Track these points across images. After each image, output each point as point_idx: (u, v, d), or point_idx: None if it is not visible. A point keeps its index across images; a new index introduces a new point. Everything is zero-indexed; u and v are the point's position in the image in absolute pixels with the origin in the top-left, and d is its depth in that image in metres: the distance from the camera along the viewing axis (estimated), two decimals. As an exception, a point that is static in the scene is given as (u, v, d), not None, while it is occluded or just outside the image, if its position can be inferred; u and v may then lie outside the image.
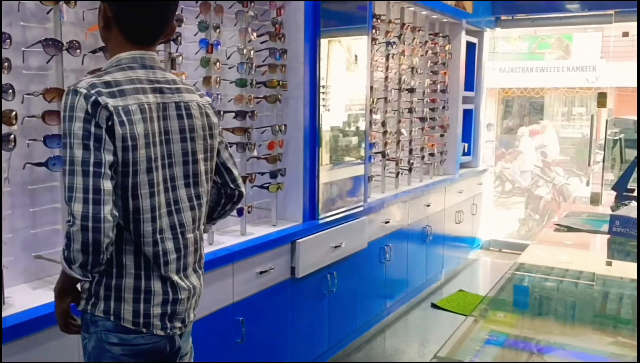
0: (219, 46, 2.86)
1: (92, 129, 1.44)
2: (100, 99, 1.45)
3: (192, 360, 1.80)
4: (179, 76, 2.27)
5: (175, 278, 1.62)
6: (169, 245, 1.60)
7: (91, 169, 1.43)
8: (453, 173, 5.62)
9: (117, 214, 1.48)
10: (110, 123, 1.45)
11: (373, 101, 4.18)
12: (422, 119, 5.07)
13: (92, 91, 1.45)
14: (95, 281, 1.56)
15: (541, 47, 12.94)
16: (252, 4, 3.03)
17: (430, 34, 5.19)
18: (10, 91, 1.97)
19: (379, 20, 4.23)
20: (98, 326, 1.57)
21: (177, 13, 1.93)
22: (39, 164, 2.12)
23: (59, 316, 1.65)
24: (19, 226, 2.15)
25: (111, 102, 1.46)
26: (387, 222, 4.20)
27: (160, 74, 1.61)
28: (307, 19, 3.28)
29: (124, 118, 1.47)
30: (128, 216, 1.53)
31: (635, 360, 1.78)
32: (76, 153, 1.43)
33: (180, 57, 2.60)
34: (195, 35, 2.77)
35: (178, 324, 1.65)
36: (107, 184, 1.44)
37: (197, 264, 1.73)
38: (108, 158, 1.45)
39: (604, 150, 4.84)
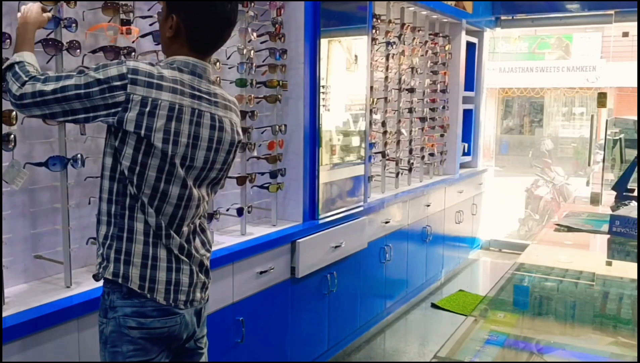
0: (219, 46, 2.86)
1: (95, 87, 1.58)
2: (129, 87, 1.58)
3: (207, 347, 1.92)
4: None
5: (175, 252, 1.73)
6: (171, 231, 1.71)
7: (69, 90, 1.59)
8: (453, 173, 5.62)
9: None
10: (119, 107, 1.58)
11: (373, 101, 4.18)
12: (422, 119, 5.07)
13: (130, 76, 1.59)
14: (107, 246, 1.68)
15: (541, 47, 12.94)
16: (252, 4, 3.03)
17: (430, 34, 5.19)
18: (10, 91, 1.97)
19: (379, 20, 4.23)
20: (117, 312, 1.66)
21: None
22: (39, 164, 2.12)
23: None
24: (19, 226, 2.15)
25: (140, 92, 1.59)
26: (387, 222, 4.20)
27: (205, 85, 1.73)
28: (307, 19, 3.28)
29: (147, 109, 1.59)
30: (140, 190, 1.64)
31: (635, 360, 1.78)
32: (68, 81, 1.59)
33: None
34: (195, 35, 2.76)
35: (182, 297, 1.74)
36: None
37: (200, 254, 1.81)
38: (77, 105, 1.60)
39: (604, 150, 4.84)
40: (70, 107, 1.60)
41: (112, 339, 1.67)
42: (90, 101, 1.59)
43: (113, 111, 1.59)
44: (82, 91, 1.58)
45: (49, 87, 1.59)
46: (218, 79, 2.85)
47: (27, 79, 1.61)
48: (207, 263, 1.85)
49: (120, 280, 1.65)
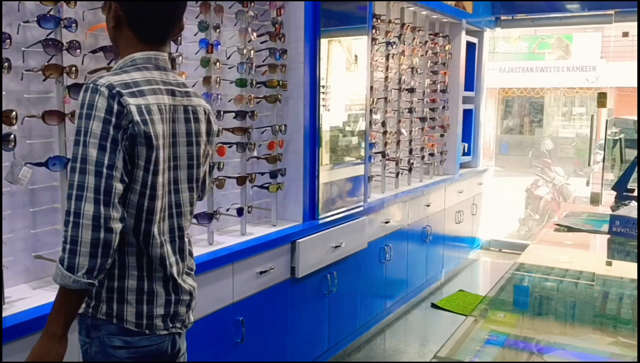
0: (219, 46, 2.86)
1: (111, 131, 1.42)
2: (122, 100, 1.43)
3: (186, 359, 1.80)
4: (179, 75, 2.27)
5: (179, 280, 1.63)
6: (169, 247, 1.61)
7: (104, 171, 1.41)
8: (453, 173, 5.62)
9: (125, 217, 1.48)
10: (130, 124, 1.45)
11: (373, 101, 4.18)
12: (422, 119, 5.07)
13: (114, 91, 1.43)
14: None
15: (541, 47, 12.94)
16: (252, 4, 3.03)
17: (430, 34, 5.19)
18: (10, 91, 1.98)
19: (379, 20, 4.23)
20: (100, 330, 1.54)
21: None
22: (39, 164, 2.11)
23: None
24: (19, 226, 2.15)
25: (132, 102, 1.45)
26: (387, 222, 4.20)
27: (172, 76, 1.62)
28: (307, 19, 3.28)
29: (146, 117, 1.47)
30: (141, 216, 1.52)
31: (635, 360, 1.78)
32: (91, 151, 1.40)
33: (180, 57, 2.60)
34: (195, 35, 2.77)
35: (179, 324, 1.65)
36: (119, 187, 1.43)
37: (189, 268, 1.73)
38: (120, 163, 1.44)
39: (604, 150, 4.84)
40: (117, 170, 1.43)
41: (98, 360, 1.54)
42: (115, 143, 1.43)
43: (131, 130, 1.45)
44: (107, 145, 1.42)
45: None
46: (218, 78, 2.85)
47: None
48: (193, 273, 1.74)
49: (114, 320, 1.52)
